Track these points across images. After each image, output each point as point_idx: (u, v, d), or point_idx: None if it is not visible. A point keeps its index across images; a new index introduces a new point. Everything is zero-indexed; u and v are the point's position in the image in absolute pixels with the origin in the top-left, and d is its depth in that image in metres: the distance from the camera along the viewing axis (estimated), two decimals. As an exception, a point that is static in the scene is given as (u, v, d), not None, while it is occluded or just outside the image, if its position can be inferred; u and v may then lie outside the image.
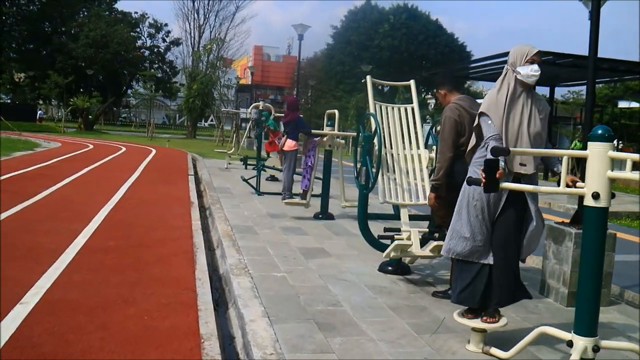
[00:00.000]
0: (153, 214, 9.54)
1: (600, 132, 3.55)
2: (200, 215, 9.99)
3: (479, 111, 4.43)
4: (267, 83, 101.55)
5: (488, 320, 4.37)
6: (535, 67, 4.30)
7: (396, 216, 7.01)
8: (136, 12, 75.21)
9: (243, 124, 37.75)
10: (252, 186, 12.84)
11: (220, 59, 45.19)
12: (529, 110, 4.35)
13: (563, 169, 3.74)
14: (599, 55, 7.15)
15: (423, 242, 6.50)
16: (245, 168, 18.76)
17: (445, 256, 4.65)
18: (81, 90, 60.04)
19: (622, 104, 28.53)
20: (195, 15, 52.42)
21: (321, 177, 10.50)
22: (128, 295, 5.08)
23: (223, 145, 34.07)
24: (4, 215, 8.47)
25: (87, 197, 10.95)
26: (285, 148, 10.62)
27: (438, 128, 5.90)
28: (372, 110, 6.86)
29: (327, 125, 10.39)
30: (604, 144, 3.52)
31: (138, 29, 75.47)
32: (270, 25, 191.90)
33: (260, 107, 18.94)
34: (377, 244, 6.71)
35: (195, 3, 52.37)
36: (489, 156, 4.00)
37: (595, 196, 3.50)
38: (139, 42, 75.05)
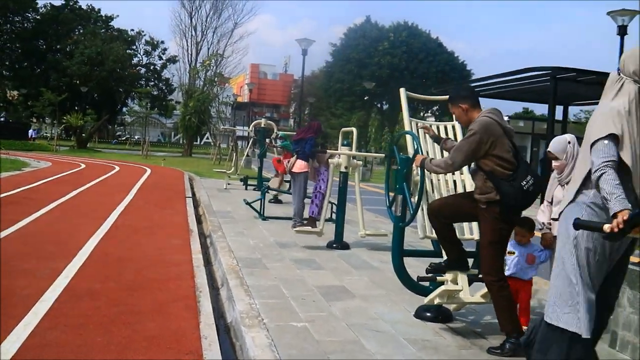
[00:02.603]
0: (148, 246, 8.41)
1: None
2: (201, 244, 8.91)
3: (595, 139, 3.36)
4: (263, 101, 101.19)
5: None
6: None
7: (435, 253, 5.95)
8: (132, 30, 74.95)
9: (239, 142, 36.88)
10: (255, 210, 11.79)
11: (218, 75, 44.23)
12: None
13: None
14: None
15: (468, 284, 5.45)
16: (246, 189, 17.79)
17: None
18: (75, 108, 59.19)
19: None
20: (193, 32, 51.64)
21: (336, 201, 9.47)
22: (115, 365, 3.98)
23: (220, 163, 33.04)
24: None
25: (74, 225, 9.80)
26: (295, 170, 9.56)
27: None
28: (407, 128, 5.85)
29: (343, 145, 9.32)
30: None
31: (134, 47, 75.08)
32: (267, 44, 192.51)
33: (262, 125, 17.93)
34: (415, 286, 5.64)
35: (193, 20, 51.55)
36: (610, 191, 3.07)
37: None
38: (135, 60, 74.67)
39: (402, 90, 6.20)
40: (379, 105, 62.91)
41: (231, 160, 22.21)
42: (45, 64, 67.56)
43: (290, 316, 5.26)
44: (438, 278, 5.38)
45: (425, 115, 63.87)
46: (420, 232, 5.55)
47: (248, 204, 11.84)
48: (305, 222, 9.41)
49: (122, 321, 4.90)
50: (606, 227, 3.02)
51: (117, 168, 26.37)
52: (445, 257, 5.45)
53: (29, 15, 68.80)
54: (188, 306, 5.46)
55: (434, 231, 5.43)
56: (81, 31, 70.78)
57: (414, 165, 5.31)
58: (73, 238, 8.49)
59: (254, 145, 21.93)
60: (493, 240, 4.72)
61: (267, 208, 11.92)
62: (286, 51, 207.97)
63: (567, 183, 5.08)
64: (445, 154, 5.56)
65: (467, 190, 5.68)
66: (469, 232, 5.71)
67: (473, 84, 21.68)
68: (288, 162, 15.44)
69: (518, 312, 5.30)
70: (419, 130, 5.95)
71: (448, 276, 5.33)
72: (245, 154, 22.34)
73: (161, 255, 7.78)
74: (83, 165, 26.58)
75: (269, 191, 13.30)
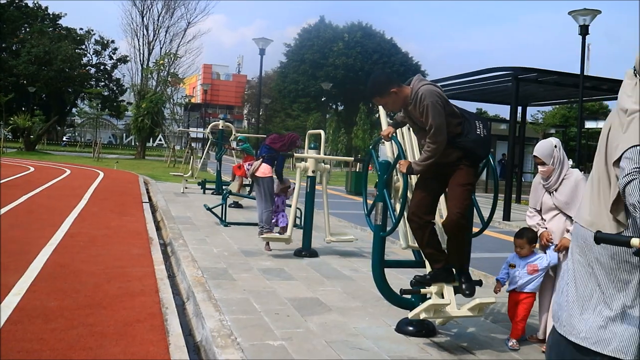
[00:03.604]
0: (106, 257, 7.86)
1: None
2: (162, 253, 8.44)
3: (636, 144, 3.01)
4: (216, 102, 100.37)
5: None
6: None
7: (417, 262, 5.64)
8: (81, 29, 73.14)
9: (192, 144, 36.32)
10: (217, 216, 11.33)
11: (173, 75, 43.30)
12: None
13: None
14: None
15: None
16: (204, 193, 17.32)
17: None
18: (23, 108, 57.41)
19: (589, 124, 28.09)
20: (145, 31, 50.51)
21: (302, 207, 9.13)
22: (77, 400, 3.53)
23: (175, 166, 32.36)
24: None
25: (25, 234, 9.19)
26: (259, 174, 9.09)
27: None
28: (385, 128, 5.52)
29: (310, 148, 8.95)
30: None
31: (83, 46, 73.30)
32: (219, 44, 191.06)
33: (220, 127, 17.45)
34: (397, 299, 5.32)
35: (145, 18, 50.44)
36: (637, 199, 2.73)
37: None
38: (85, 60, 72.85)
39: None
40: (334, 107, 62.71)
41: (187, 163, 21.63)
42: (-10, 63, 65.42)
43: (266, 334, 4.89)
44: (422, 290, 5.08)
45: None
46: (402, 242, 5.25)
47: (209, 209, 11.38)
48: (271, 229, 9.01)
49: (82, 345, 4.43)
50: (635, 241, 2.71)
51: (68, 171, 25.47)
52: (428, 269, 5.16)
53: (-28, 12, 66.56)
54: (154, 326, 5.01)
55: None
56: (28, 29, 68.68)
57: (398, 171, 5.00)
58: (24, 248, 7.93)
59: (212, 148, 21.40)
60: (468, 182, 4.74)
61: (228, 213, 11.48)
62: (238, 51, 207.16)
63: (555, 190, 4.84)
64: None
65: None
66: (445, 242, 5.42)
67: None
68: (250, 165, 15.06)
69: (512, 326, 5.05)
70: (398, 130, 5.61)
71: (433, 289, 5.04)
72: (202, 156, 21.72)
73: (121, 267, 7.27)
74: (32, 169, 25.59)
75: (230, 195, 12.84)
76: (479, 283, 5.13)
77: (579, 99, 14.72)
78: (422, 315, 4.88)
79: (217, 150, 18.17)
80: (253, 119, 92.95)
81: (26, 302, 5.48)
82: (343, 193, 22.34)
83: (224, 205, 11.30)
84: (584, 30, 14.27)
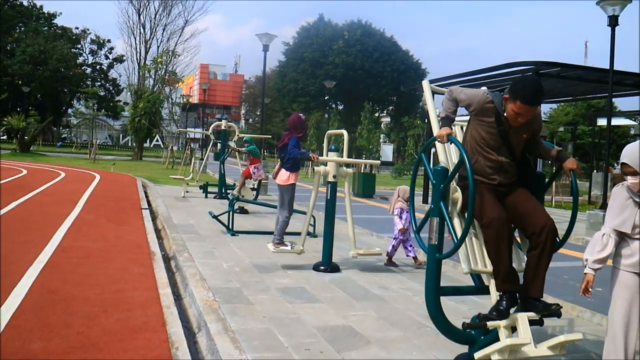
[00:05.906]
0: (102, 278, 6.83)
1: None
2: (166, 270, 7.47)
3: None
4: (213, 102, 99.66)
5: None
6: None
7: (478, 289, 4.70)
8: (77, 28, 72.56)
9: (191, 145, 35.47)
10: (223, 224, 10.39)
11: (171, 73, 42.23)
12: None
13: None
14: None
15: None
16: (206, 197, 16.39)
17: None
18: (17, 109, 56.49)
19: (601, 122, 27.10)
20: (142, 29, 49.44)
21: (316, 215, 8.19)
22: None
23: (174, 167, 31.41)
24: None
25: (11, 247, 8.15)
26: (278, 181, 8.15)
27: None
28: (435, 129, 4.59)
29: (330, 150, 8.01)
30: None
31: (79, 45, 72.66)
32: (216, 44, 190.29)
33: (223, 127, 16.50)
34: (456, 333, 4.37)
35: (142, 17, 49.38)
36: None
37: None
38: (80, 59, 72.14)
39: (425, 83, 4.94)
40: (334, 106, 61.75)
41: (187, 165, 20.65)
42: (-16, 63, 64.45)
43: (298, 379, 3.97)
44: (488, 324, 4.15)
45: (381, 115, 63.10)
46: (464, 266, 4.28)
47: (215, 217, 10.44)
48: (282, 240, 8.02)
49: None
50: None
51: (63, 174, 24.47)
52: (495, 297, 4.23)
53: (-34, 11, 65.61)
54: (163, 376, 4.04)
55: (486, 262, 4.24)
56: (22, 29, 67.88)
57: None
58: (9, 267, 6.91)
59: (214, 148, 20.46)
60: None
61: (234, 220, 10.50)
62: (235, 51, 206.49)
63: None
64: None
65: None
66: (518, 263, 4.49)
67: (445, 82, 20.58)
68: (256, 168, 14.12)
69: None
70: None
71: (503, 322, 4.10)
72: (205, 158, 20.72)
73: (120, 290, 6.25)
74: (25, 171, 24.60)
75: (236, 201, 11.85)
76: (558, 314, 4.20)
77: (608, 95, 13.79)
78: (495, 357, 3.95)
79: (219, 152, 17.23)
80: (251, 119, 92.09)
81: (3, 342, 4.46)
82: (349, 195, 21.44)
83: (230, 213, 10.37)
84: (613, 21, 13.35)
